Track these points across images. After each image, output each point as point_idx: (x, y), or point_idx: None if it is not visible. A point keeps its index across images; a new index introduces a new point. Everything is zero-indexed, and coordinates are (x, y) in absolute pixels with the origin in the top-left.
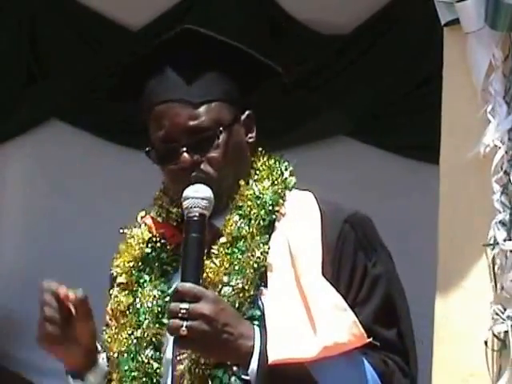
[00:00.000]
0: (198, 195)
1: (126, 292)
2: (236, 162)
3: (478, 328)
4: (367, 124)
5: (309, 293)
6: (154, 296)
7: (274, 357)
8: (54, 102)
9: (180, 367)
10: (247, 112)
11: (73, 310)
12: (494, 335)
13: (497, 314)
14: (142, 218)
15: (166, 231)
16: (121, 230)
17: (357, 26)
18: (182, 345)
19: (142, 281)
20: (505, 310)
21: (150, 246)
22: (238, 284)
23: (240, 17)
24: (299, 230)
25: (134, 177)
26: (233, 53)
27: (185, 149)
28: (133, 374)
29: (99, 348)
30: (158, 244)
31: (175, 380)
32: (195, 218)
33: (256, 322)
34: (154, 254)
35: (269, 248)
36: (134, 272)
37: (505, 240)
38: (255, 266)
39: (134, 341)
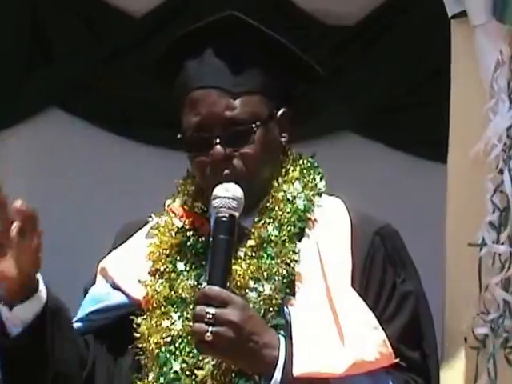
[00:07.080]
0: (227, 195)
1: (163, 281)
2: (269, 160)
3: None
4: (372, 119)
5: (339, 306)
6: (191, 286)
7: (300, 370)
8: (54, 90)
9: (201, 372)
10: (283, 110)
11: (15, 225)
12: (475, 336)
13: (477, 315)
14: (168, 206)
15: (195, 220)
16: (149, 218)
17: (362, 16)
18: (204, 350)
19: (178, 270)
20: (488, 312)
21: (183, 234)
22: (265, 291)
23: (245, 5)
24: (329, 239)
25: (133, 168)
26: (276, 47)
27: (218, 140)
28: (173, 367)
29: (40, 282)
30: (191, 232)
31: None
32: (224, 219)
33: (281, 332)
34: (188, 242)
35: (299, 256)
36: (169, 260)
37: (493, 242)
38: (284, 273)
39: (175, 333)
